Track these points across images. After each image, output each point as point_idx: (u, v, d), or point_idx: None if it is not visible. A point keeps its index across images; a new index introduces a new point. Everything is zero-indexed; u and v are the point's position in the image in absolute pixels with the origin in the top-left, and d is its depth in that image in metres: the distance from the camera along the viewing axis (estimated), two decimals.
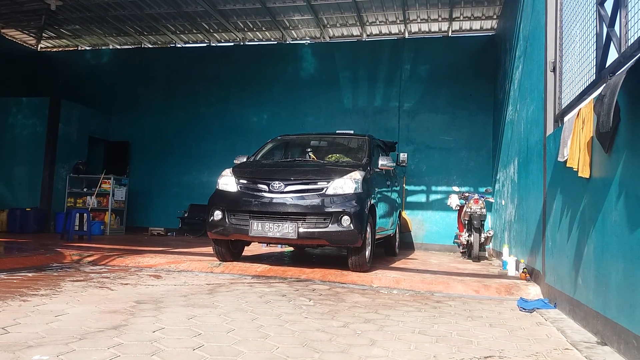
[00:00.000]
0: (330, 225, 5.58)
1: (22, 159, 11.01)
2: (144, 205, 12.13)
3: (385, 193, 7.41)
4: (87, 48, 13.63)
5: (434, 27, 11.37)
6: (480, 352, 2.79)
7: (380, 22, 11.25)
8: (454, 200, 9.32)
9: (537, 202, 5.32)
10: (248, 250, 7.34)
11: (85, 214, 8.68)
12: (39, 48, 13.66)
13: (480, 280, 5.75)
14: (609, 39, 3.22)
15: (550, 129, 4.83)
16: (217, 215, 5.96)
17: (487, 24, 11.09)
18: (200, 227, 10.70)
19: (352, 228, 5.55)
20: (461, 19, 10.92)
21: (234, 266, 6.04)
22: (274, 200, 5.72)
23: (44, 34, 12.95)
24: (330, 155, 7.58)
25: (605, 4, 3.35)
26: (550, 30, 4.96)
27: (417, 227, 10.91)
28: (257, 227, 5.67)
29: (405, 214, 10.67)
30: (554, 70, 4.82)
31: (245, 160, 6.93)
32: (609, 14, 3.20)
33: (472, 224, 8.42)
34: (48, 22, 12.00)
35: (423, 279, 5.61)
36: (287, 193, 5.72)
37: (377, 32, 11.83)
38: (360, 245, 5.67)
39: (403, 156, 11.16)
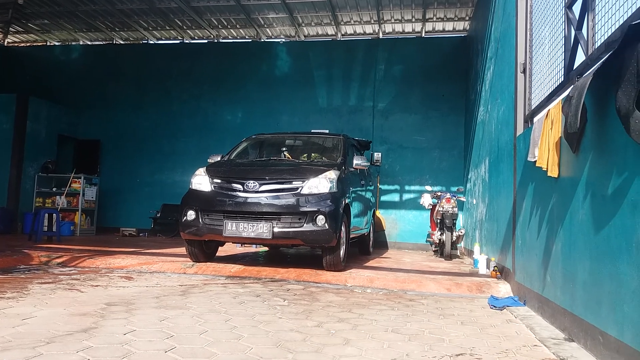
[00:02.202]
0: (305, 224, 5.58)
1: None
2: (115, 205, 11.90)
3: (360, 192, 7.45)
4: (57, 43, 13.28)
5: (408, 27, 11.48)
6: (452, 349, 2.83)
7: (354, 21, 11.30)
8: (426, 200, 9.44)
9: (507, 201, 5.43)
10: (222, 251, 7.28)
11: (54, 214, 8.45)
12: (5, 43, 13.25)
13: (452, 278, 5.84)
14: (576, 41, 3.31)
15: (520, 129, 4.94)
16: (190, 215, 5.89)
17: (460, 25, 11.25)
18: (173, 227, 10.55)
19: (327, 227, 5.56)
20: (434, 19, 11.05)
21: (207, 267, 5.98)
22: (249, 200, 5.68)
23: (10, 29, 12.55)
24: (305, 155, 7.59)
25: (573, 7, 3.44)
26: (521, 32, 5.07)
27: (390, 226, 11.00)
28: (231, 227, 5.62)
29: (379, 213, 10.75)
30: (524, 71, 4.93)
31: (219, 159, 6.86)
32: (577, 17, 3.29)
33: (444, 222, 8.52)
34: (15, 16, 11.64)
35: (396, 278, 5.67)
36: (262, 192, 5.70)
37: (352, 32, 11.88)
38: (334, 245, 5.69)
39: (377, 155, 11.20)
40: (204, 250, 6.27)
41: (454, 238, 8.69)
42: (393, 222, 11.03)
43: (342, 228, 5.96)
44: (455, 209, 8.61)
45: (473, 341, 3.05)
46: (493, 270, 6.08)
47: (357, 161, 6.85)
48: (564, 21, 3.55)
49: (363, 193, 7.81)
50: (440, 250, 9.00)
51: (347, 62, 11.64)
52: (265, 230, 5.53)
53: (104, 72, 12.57)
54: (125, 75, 12.47)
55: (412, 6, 10.44)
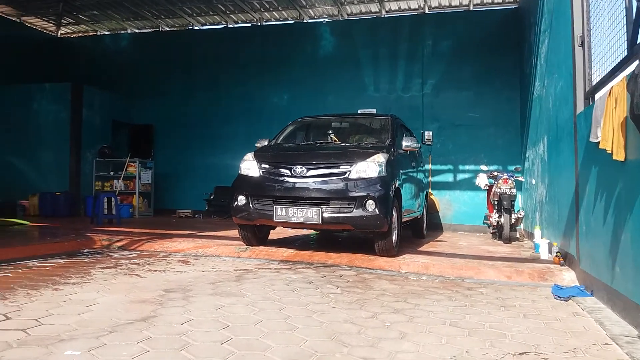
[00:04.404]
0: (354, 210, 5.51)
1: (49, 144, 11.18)
2: (171, 187, 12.25)
3: (411, 174, 7.28)
4: (106, 33, 13.65)
5: (455, 1, 11.00)
6: (515, 347, 2.71)
7: None
8: (482, 180, 9.13)
9: (569, 183, 5.14)
10: (274, 234, 7.33)
11: (112, 198, 8.78)
12: (58, 34, 13.73)
13: (512, 264, 5.62)
14: (639, 12, 3.02)
15: (580, 107, 4.63)
16: (241, 200, 5.94)
17: None
18: (226, 209, 10.71)
19: (377, 213, 5.47)
20: None
21: (260, 251, 6.04)
22: (297, 185, 5.65)
23: (62, 20, 12.99)
24: (352, 137, 7.47)
25: None
26: (577, 3, 4.71)
27: (444, 207, 10.76)
28: (280, 212, 5.63)
29: (433, 194, 10.53)
30: (582, 44, 4.59)
31: (266, 143, 6.86)
32: None
33: (502, 204, 8.21)
34: (66, 9, 12.02)
35: (453, 264, 5.51)
36: (310, 177, 5.64)
37: (396, 8, 11.52)
38: (386, 230, 5.59)
39: (428, 134, 10.91)
40: (257, 234, 6.34)
41: (513, 220, 8.37)
42: (447, 203, 10.77)
43: (394, 212, 5.84)
44: (514, 190, 8.27)
45: (537, 337, 2.91)
46: (555, 255, 5.79)
47: (407, 142, 6.66)
48: None
49: (414, 175, 7.63)
50: (498, 232, 8.70)
51: (392, 39, 11.32)
52: (315, 216, 5.50)
53: (152, 59, 12.83)
54: (174, 61, 12.67)
55: None
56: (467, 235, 9.82)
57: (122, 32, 13.46)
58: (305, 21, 12.10)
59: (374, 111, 11.30)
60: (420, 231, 8.48)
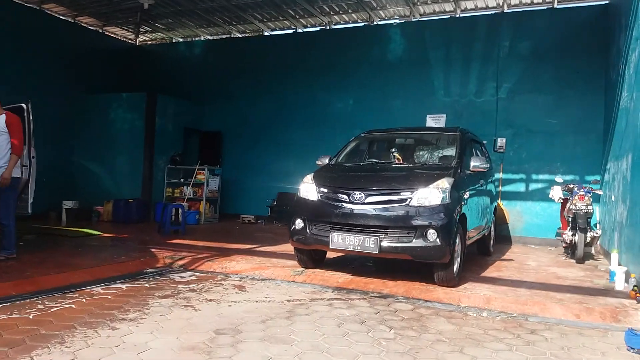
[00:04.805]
0: (414, 239, 5.27)
1: (124, 152, 11.78)
2: (236, 193, 12.51)
3: (478, 194, 6.87)
4: (181, 40, 14.10)
5: None
6: None
7: None
8: (556, 193, 8.51)
9: None
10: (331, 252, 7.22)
11: (179, 209, 9.08)
12: (137, 42, 14.38)
13: (583, 299, 5.19)
14: None
15: None
16: (299, 224, 5.88)
17: None
18: (287, 215, 10.83)
19: (439, 243, 5.20)
20: None
21: (315, 275, 5.96)
22: (355, 212, 5.49)
23: (140, 29, 13.58)
24: (418, 153, 7.19)
25: None
26: None
27: (515, 218, 10.16)
28: (337, 240, 5.51)
29: (502, 204, 9.97)
30: None
31: (327, 161, 6.75)
32: None
33: (577, 222, 7.62)
34: (143, 18, 12.54)
35: (517, 298, 5.15)
36: (368, 204, 5.47)
37: (473, 7, 10.92)
38: (447, 261, 5.31)
39: (501, 142, 10.37)
40: (313, 256, 6.27)
41: (588, 239, 7.75)
42: (517, 214, 10.17)
43: (457, 240, 5.55)
44: (590, 208, 7.64)
45: None
46: (633, 289, 5.28)
47: (475, 163, 6.27)
48: None
49: (482, 194, 7.21)
50: (571, 250, 8.11)
51: (466, 40, 10.76)
52: (372, 245, 5.33)
53: (223, 65, 13.09)
54: (243, 67, 12.85)
55: None
56: (537, 250, 9.23)
57: (196, 38, 13.86)
58: (375, 23, 11.79)
59: (443, 117, 10.88)
60: (486, 248, 8.06)
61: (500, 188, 10.18)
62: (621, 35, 7.60)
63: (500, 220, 9.60)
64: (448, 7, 11.00)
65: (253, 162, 12.47)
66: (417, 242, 5.26)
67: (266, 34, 13.06)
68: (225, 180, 12.26)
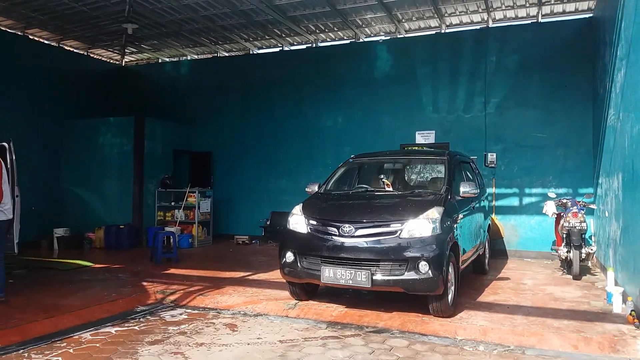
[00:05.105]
0: (406, 272, 5.22)
1: (114, 177, 11.65)
2: (228, 213, 12.43)
3: (470, 215, 6.82)
4: (167, 59, 14.03)
5: (522, 12, 10.28)
6: None
7: (460, 12, 10.37)
8: (549, 208, 8.50)
9: None
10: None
11: (171, 237, 8.98)
12: (123, 63, 14.29)
13: (580, 326, 5.17)
14: None
15: None
16: (289, 257, 5.82)
17: (584, 5, 9.81)
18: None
19: (431, 275, 5.15)
20: (552, 1, 9.73)
21: (309, 308, 5.89)
22: (345, 245, 5.44)
23: (126, 50, 13.50)
24: (406, 178, 7.16)
25: None
26: None
27: (509, 233, 10.14)
28: (328, 274, 5.44)
29: (497, 219, 9.95)
30: None
31: (316, 188, 6.70)
32: None
33: (571, 239, 7.62)
34: (129, 40, 12.46)
35: (513, 329, 5.13)
36: (359, 237, 5.42)
37: (458, 22, 10.93)
38: (441, 293, 5.26)
39: (491, 157, 10.37)
40: (305, 288, 6.18)
41: (583, 255, 7.73)
42: (512, 228, 10.15)
43: (450, 270, 5.50)
44: (584, 224, 7.64)
45: None
46: (630, 314, 5.28)
47: (465, 189, 6.21)
48: None
49: (475, 213, 7.18)
50: (567, 266, 8.09)
51: (453, 55, 10.76)
52: (364, 279, 5.27)
53: (211, 85, 13.03)
54: (231, 86, 12.80)
55: None
56: (533, 264, 9.20)
57: (182, 58, 13.79)
58: (361, 40, 11.79)
59: (432, 133, 10.89)
60: (482, 267, 8.02)
61: (494, 203, 10.17)
62: (606, 51, 7.63)
63: (495, 235, 9.58)
64: (433, 22, 11.00)
65: (244, 181, 12.40)
66: (409, 275, 5.20)
67: (253, 52, 13.02)
68: (217, 200, 12.17)
